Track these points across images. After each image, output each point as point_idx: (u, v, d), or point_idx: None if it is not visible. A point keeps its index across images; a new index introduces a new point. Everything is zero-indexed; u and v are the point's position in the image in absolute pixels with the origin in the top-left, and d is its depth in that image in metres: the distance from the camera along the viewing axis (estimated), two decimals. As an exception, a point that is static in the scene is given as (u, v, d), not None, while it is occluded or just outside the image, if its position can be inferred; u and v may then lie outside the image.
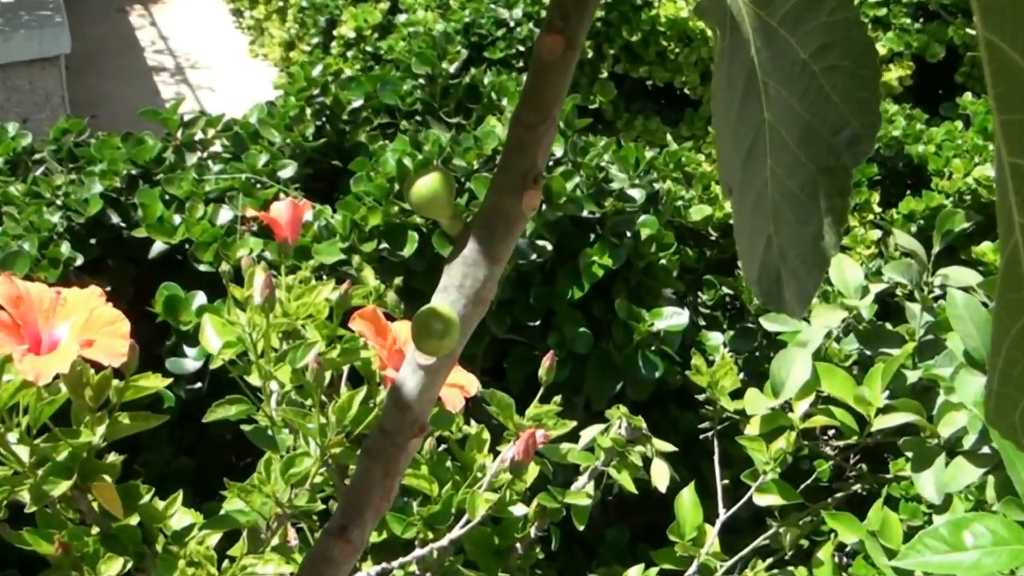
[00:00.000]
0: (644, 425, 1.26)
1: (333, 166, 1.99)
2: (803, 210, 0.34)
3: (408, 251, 1.64)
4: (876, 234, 2.23)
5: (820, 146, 0.33)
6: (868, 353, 1.55)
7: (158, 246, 1.67)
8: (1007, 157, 0.22)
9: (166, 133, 1.88)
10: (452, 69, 2.16)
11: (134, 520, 1.00)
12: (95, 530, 1.00)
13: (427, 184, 0.35)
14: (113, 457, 0.99)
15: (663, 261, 1.83)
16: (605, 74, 3.12)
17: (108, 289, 1.68)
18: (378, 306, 1.31)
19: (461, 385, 1.02)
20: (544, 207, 1.71)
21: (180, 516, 1.04)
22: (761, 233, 0.33)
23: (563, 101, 0.34)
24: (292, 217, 1.19)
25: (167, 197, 1.73)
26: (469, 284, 0.35)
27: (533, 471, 1.23)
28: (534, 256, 1.71)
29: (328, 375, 1.23)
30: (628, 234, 1.86)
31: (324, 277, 1.62)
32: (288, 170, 1.81)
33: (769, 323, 1.61)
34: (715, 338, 1.87)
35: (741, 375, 1.89)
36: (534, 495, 1.24)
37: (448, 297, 0.35)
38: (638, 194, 1.81)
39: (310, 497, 1.06)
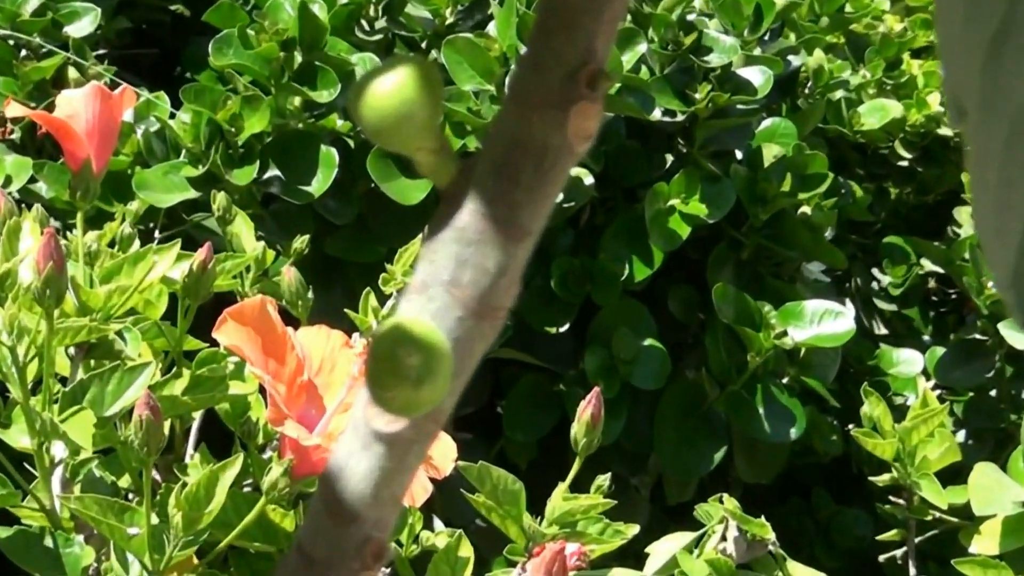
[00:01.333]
0: (772, 535, 1.28)
1: (172, 15, 1.99)
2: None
3: (320, 184, 1.64)
4: None
5: None
6: None
7: None
8: None
9: None
10: None
11: None
12: None
13: (392, 87, 0.35)
14: None
15: (807, 209, 1.84)
16: None
17: None
18: (267, 295, 1.33)
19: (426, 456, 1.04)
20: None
21: None
22: (1020, 190, 0.34)
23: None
24: (100, 116, 1.20)
25: None
26: (469, 280, 0.36)
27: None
28: (559, 198, 1.72)
29: (166, 429, 1.24)
30: (739, 155, 1.87)
31: (156, 235, 1.63)
32: (84, 22, 1.81)
33: (1012, 331, 1.62)
34: (908, 362, 1.88)
35: (960, 435, 1.91)
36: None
37: (430, 304, 0.36)
38: (759, 77, 1.81)
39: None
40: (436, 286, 0.37)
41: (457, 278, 0.36)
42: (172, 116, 1.67)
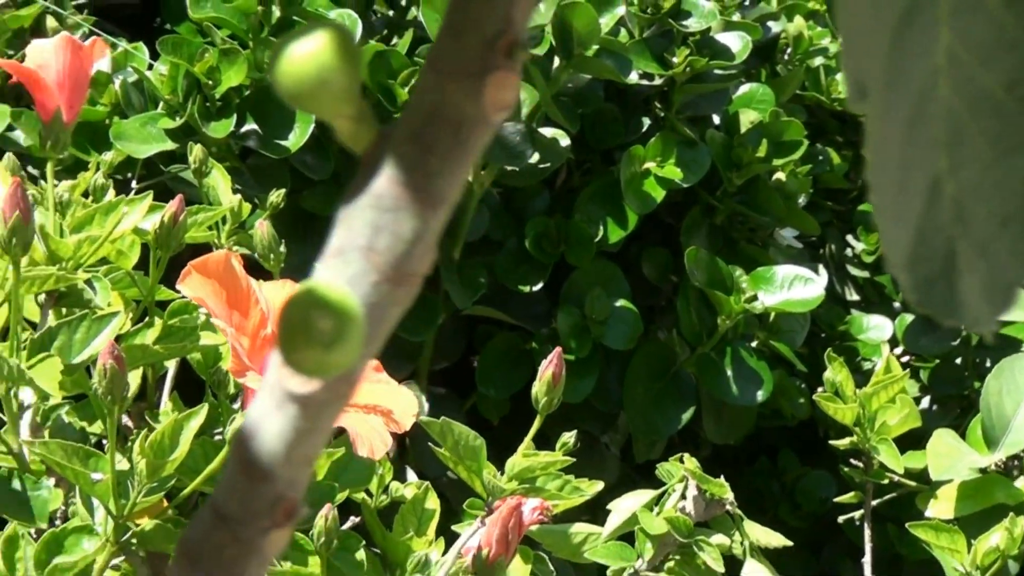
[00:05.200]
0: (730, 495, 1.28)
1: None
2: (1011, 127, 0.35)
3: (297, 139, 1.64)
4: None
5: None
6: None
7: None
8: None
9: None
10: None
11: None
12: None
13: (308, 53, 0.35)
14: None
15: (782, 176, 1.84)
16: None
17: None
18: (234, 248, 1.33)
19: (387, 410, 1.04)
20: (557, 61, 1.72)
21: None
22: (921, 171, 0.34)
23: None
24: (70, 67, 1.20)
25: None
26: (385, 246, 0.36)
27: (520, 574, 1.25)
28: (535, 159, 1.72)
29: (137, 379, 1.24)
30: (716, 120, 1.87)
31: (133, 185, 1.63)
32: (62, -30, 1.81)
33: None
34: (875, 329, 1.89)
35: (924, 402, 1.92)
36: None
37: (346, 269, 0.36)
38: (736, 42, 1.81)
39: (92, 612, 1.08)
40: (352, 251, 0.37)
41: (373, 244, 0.36)
42: (150, 67, 1.67)
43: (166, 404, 1.29)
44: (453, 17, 0.36)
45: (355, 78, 0.36)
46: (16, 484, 1.14)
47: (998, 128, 0.35)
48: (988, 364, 1.74)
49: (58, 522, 1.14)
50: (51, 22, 1.73)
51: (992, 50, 0.35)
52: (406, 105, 0.37)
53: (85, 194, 1.29)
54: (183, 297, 1.21)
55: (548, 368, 1.14)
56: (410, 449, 1.76)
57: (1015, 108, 0.35)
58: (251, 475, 0.38)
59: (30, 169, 1.60)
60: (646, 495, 1.30)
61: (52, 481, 1.14)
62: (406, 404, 1.06)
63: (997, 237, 0.35)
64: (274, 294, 1.05)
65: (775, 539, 1.30)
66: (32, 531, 1.10)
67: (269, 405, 0.38)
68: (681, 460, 1.29)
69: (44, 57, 1.19)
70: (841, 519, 1.60)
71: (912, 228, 0.35)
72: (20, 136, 1.63)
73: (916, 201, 0.35)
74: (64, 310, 1.23)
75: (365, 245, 0.37)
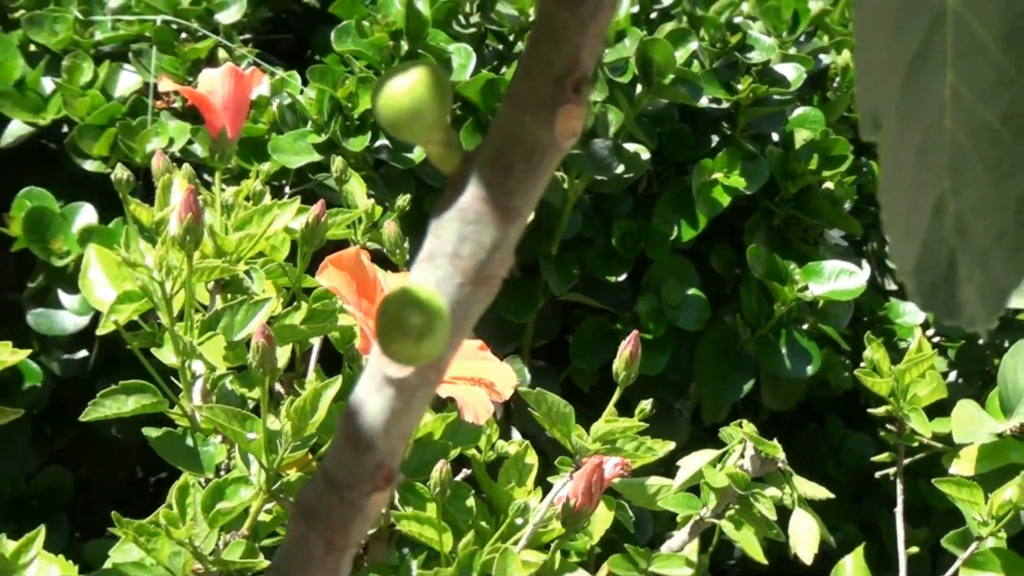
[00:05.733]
0: (783, 455, 1.27)
1: (304, 7, 1.99)
2: (1007, 155, 0.34)
3: (420, 153, 1.65)
4: None
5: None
6: None
7: (16, 127, 1.69)
8: None
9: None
10: None
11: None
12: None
13: (405, 89, 0.35)
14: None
15: (829, 184, 1.83)
16: None
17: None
18: (366, 245, 1.33)
19: (489, 382, 1.04)
20: (639, 88, 1.71)
21: (41, 565, 1.07)
22: (927, 192, 0.33)
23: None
24: (232, 93, 1.21)
25: (32, 48, 1.75)
26: (468, 252, 0.36)
27: (604, 520, 1.24)
28: (620, 170, 1.72)
29: (287, 351, 1.25)
30: (775, 138, 1.85)
31: (287, 191, 1.64)
32: (231, 11, 1.81)
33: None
34: (910, 314, 1.87)
35: (951, 376, 1.90)
36: (605, 556, 1.26)
37: (436, 272, 0.36)
38: (792, 72, 1.80)
39: (248, 549, 1.09)
40: (440, 257, 0.36)
41: (459, 251, 0.36)
42: (301, 92, 1.68)
43: (311, 374, 1.29)
44: (528, 58, 0.35)
45: (445, 109, 0.36)
46: (189, 441, 1.14)
47: (995, 156, 0.34)
48: (1006, 345, 1.72)
49: (222, 473, 1.14)
50: (222, 54, 1.74)
51: (991, 88, 0.34)
52: (487, 134, 0.37)
53: (246, 198, 1.29)
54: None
55: (626, 348, 1.14)
56: (515, 412, 1.76)
57: (1010, 139, 0.34)
58: (355, 447, 0.38)
59: (205, 176, 1.61)
60: (711, 454, 1.29)
61: (218, 439, 1.15)
62: (506, 377, 1.06)
63: (993, 249, 0.34)
64: (397, 284, 1.05)
65: (820, 492, 1.29)
66: (201, 480, 1.11)
67: (370, 388, 0.38)
68: (741, 425, 1.29)
69: (212, 84, 1.20)
70: (878, 475, 1.59)
71: (919, 241, 0.34)
72: (198, 149, 1.64)
73: (923, 218, 0.34)
74: (230, 296, 1.24)
75: (451, 252, 0.36)
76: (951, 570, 1.36)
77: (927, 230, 0.34)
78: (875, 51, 0.33)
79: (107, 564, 1.09)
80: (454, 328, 0.36)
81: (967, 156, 0.34)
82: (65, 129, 1.70)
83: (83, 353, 1.66)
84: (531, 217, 0.38)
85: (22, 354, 1.00)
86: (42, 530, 1.07)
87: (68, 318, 1.61)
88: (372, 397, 0.37)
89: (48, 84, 1.70)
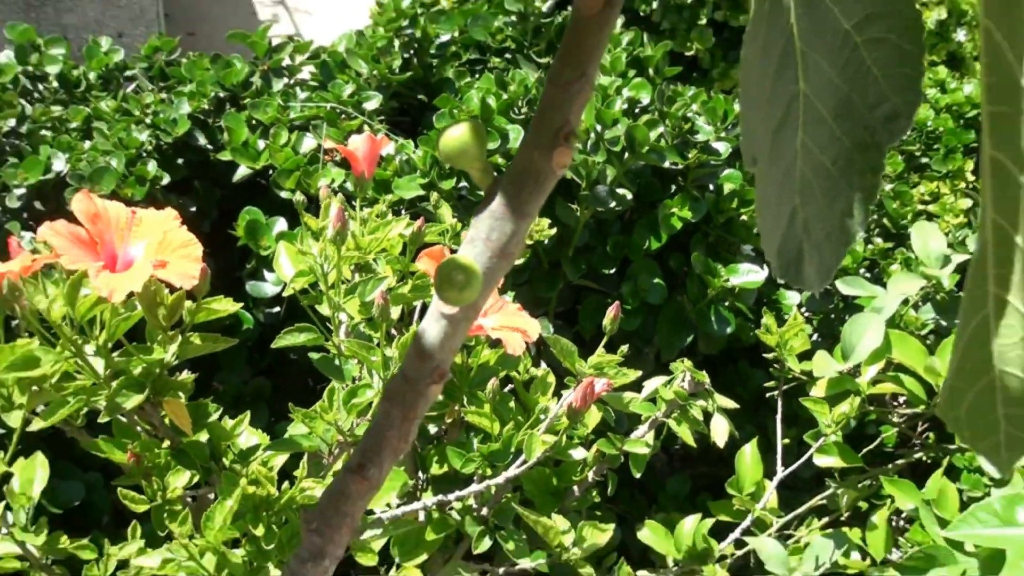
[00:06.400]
0: (707, 380, 1.26)
1: (418, 100, 1.99)
2: (833, 185, 0.34)
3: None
4: (967, 203, 2.16)
5: (856, 121, 0.33)
6: (944, 324, 1.51)
7: (242, 170, 1.70)
8: (990, 150, 0.21)
9: (254, 57, 1.89)
10: (545, 8, 2.14)
11: (203, 437, 1.04)
12: (166, 443, 1.04)
13: (457, 135, 0.35)
14: (186, 375, 1.02)
15: (744, 217, 1.81)
16: (704, 20, 3.06)
17: (193, 209, 1.72)
18: (450, 245, 1.33)
19: (523, 330, 1.03)
20: (626, 155, 1.70)
21: (247, 436, 1.07)
22: (786, 206, 0.33)
23: (600, 58, 0.34)
24: (369, 151, 1.21)
25: (253, 122, 1.76)
26: (495, 238, 0.35)
27: (595, 417, 1.24)
28: (613, 204, 1.70)
29: (399, 310, 1.25)
30: (710, 188, 1.84)
31: (403, 212, 1.64)
32: (373, 102, 1.82)
33: (846, 287, 1.58)
34: (791, 298, 1.84)
35: (814, 336, 1.87)
36: (595, 440, 1.25)
37: (474, 249, 0.36)
38: (723, 147, 1.78)
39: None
40: (478, 240, 0.36)
41: (489, 236, 0.36)
42: (414, 152, 1.68)
43: (414, 326, 1.29)
44: (537, 119, 0.35)
45: (483, 147, 0.36)
46: (337, 362, 1.14)
47: (828, 185, 0.34)
48: (846, 318, 1.70)
49: (356, 380, 1.14)
50: (366, 128, 1.74)
51: (827, 143, 0.34)
52: (509, 164, 0.36)
53: (376, 215, 1.29)
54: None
55: (611, 313, 1.13)
56: (542, 350, 1.75)
57: (837, 175, 0.34)
58: (422, 356, 0.37)
59: (351, 202, 1.61)
60: (664, 379, 1.28)
61: (354, 361, 1.15)
62: (535, 328, 1.05)
63: (824, 243, 0.33)
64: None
65: (731, 404, 1.28)
66: (343, 386, 1.11)
67: (431, 320, 0.37)
68: (683, 362, 1.28)
69: (356, 145, 1.19)
70: (768, 395, 1.57)
71: (779, 236, 0.34)
72: (348, 185, 1.65)
73: (782, 222, 0.33)
74: (362, 274, 1.24)
75: (484, 237, 0.36)
76: (807, 454, 1.35)
77: (784, 230, 0.33)
78: (754, 117, 0.33)
79: (285, 435, 1.10)
80: (484, 284, 0.35)
81: (811, 184, 0.33)
82: (270, 172, 1.71)
83: (276, 308, 1.67)
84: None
85: (237, 306, 1.01)
86: (247, 415, 1.07)
87: (268, 287, 1.62)
88: (432, 326, 0.37)
89: (261, 143, 1.71)
